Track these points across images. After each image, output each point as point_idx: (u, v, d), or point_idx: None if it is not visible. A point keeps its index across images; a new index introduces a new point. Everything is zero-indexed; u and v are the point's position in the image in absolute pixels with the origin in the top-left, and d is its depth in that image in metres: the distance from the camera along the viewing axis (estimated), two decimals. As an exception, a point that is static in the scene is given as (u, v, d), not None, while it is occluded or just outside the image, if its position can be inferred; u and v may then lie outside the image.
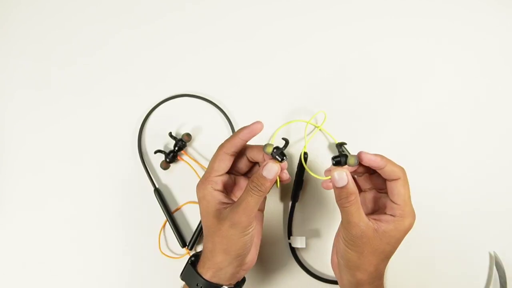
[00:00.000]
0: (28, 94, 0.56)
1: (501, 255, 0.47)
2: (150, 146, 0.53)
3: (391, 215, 0.37)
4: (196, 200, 0.50)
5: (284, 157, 0.37)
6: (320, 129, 0.52)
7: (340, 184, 0.36)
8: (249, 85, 0.55)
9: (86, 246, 0.50)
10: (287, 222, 0.49)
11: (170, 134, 0.50)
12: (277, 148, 0.37)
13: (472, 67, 0.54)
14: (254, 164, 0.43)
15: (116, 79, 0.56)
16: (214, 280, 0.38)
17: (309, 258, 0.49)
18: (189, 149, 0.52)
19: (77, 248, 0.50)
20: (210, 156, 0.51)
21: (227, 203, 0.38)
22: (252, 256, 0.41)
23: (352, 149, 0.50)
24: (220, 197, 0.39)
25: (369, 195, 0.41)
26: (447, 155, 0.51)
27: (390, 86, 0.54)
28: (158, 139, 0.53)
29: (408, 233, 0.37)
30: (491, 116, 0.52)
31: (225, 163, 0.39)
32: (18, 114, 0.55)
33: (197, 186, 0.40)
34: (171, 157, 0.50)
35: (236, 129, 0.52)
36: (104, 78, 0.56)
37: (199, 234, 0.49)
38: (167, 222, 0.49)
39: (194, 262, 0.40)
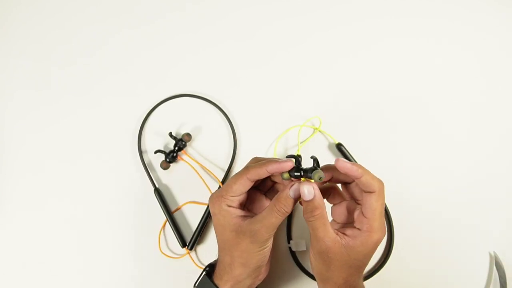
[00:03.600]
0: (28, 94, 0.56)
1: (501, 255, 0.47)
2: (150, 146, 0.53)
3: (358, 228, 0.36)
4: (197, 200, 0.50)
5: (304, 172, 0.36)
6: (319, 131, 0.52)
7: (307, 197, 0.35)
8: (249, 85, 0.55)
9: (86, 246, 0.50)
10: (286, 227, 0.49)
11: (170, 134, 0.50)
12: (293, 169, 0.37)
13: (472, 67, 0.54)
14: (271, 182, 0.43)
15: (116, 79, 0.56)
16: None
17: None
18: (189, 149, 0.52)
19: (77, 248, 0.50)
20: (210, 156, 0.52)
21: (244, 216, 0.39)
22: (267, 266, 0.41)
23: (351, 151, 0.50)
24: (237, 211, 0.39)
25: (346, 206, 0.40)
26: (447, 155, 0.51)
27: (390, 86, 0.54)
28: (158, 139, 0.53)
29: (377, 247, 0.37)
30: (491, 116, 0.52)
31: (245, 188, 0.38)
32: (18, 114, 0.55)
33: (210, 200, 0.40)
34: (171, 157, 0.50)
35: (236, 129, 0.52)
36: (104, 78, 0.56)
37: (199, 234, 0.49)
38: (167, 222, 0.49)
39: (209, 272, 0.41)
